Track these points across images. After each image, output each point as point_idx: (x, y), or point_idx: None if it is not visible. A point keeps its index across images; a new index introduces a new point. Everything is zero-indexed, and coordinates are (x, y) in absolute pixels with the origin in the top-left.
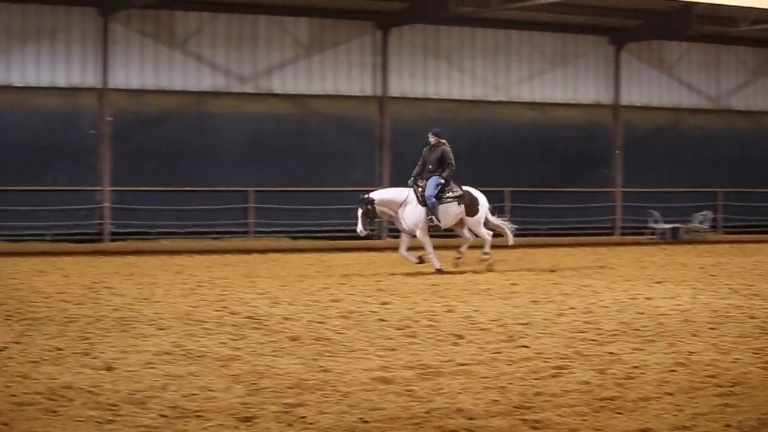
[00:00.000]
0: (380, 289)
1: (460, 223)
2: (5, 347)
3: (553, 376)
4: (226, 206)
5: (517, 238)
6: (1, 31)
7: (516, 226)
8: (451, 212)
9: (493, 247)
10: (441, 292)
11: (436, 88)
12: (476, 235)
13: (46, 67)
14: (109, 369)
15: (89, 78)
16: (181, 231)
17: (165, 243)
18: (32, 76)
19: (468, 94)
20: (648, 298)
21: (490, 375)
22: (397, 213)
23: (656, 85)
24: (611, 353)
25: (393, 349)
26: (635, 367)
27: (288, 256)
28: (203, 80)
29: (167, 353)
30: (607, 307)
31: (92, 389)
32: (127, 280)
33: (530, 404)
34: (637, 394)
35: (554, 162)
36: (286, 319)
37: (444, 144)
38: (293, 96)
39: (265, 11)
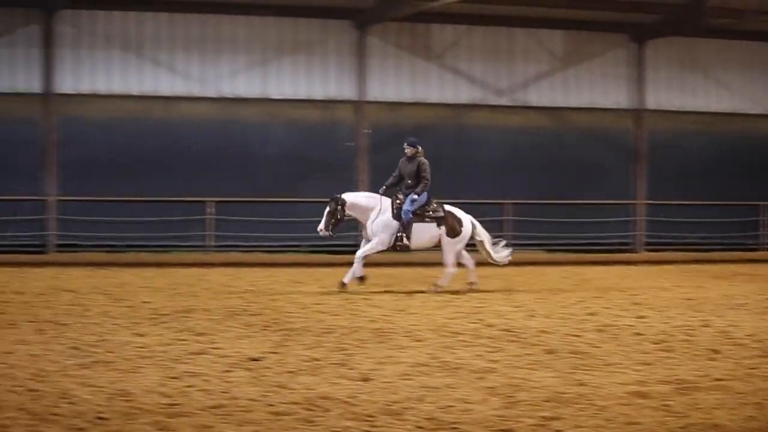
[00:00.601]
0: (636, 303)
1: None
2: (262, 357)
3: None
4: (483, 218)
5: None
6: (257, 44)
7: (511, 249)
8: (426, 233)
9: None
10: (696, 307)
11: (693, 101)
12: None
13: (303, 80)
14: (365, 380)
15: (346, 91)
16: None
17: (420, 255)
18: (289, 89)
19: (725, 107)
20: None
21: (747, 391)
22: (365, 220)
23: None
24: None
25: (649, 364)
26: None
27: (544, 269)
28: (460, 93)
29: (424, 365)
30: None
31: (349, 400)
32: (384, 292)
33: None
34: None
35: None
36: (542, 332)
37: (420, 155)
38: (549, 109)
39: (521, 24)
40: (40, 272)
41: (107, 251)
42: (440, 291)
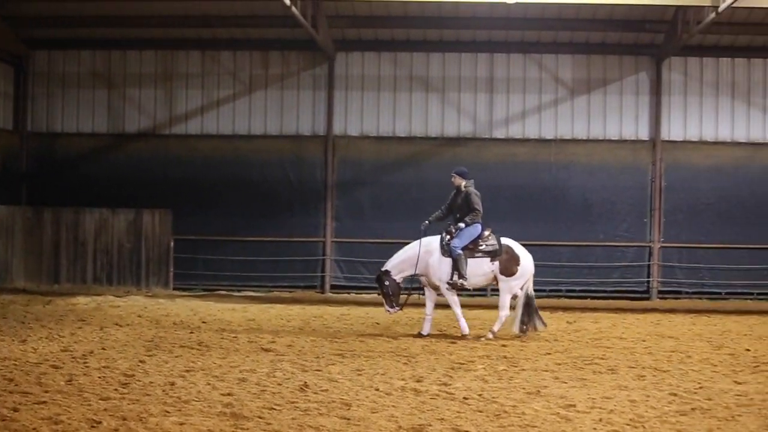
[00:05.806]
0: None
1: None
2: None
3: None
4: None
5: None
6: None
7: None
8: (480, 270)
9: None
10: None
11: None
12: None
13: None
14: None
15: None
16: None
17: None
18: None
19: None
20: None
21: None
22: (416, 268)
23: None
24: None
25: None
26: None
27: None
28: None
29: None
30: None
31: None
32: None
33: None
34: None
35: None
36: None
37: (470, 186)
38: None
39: None
40: (643, 318)
41: (710, 298)
42: (491, 337)
